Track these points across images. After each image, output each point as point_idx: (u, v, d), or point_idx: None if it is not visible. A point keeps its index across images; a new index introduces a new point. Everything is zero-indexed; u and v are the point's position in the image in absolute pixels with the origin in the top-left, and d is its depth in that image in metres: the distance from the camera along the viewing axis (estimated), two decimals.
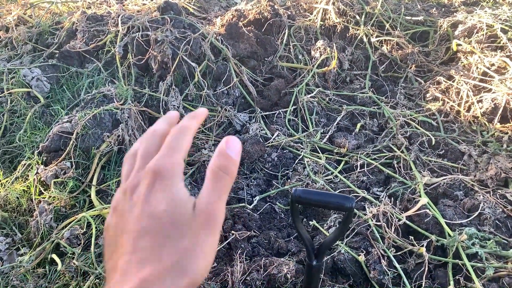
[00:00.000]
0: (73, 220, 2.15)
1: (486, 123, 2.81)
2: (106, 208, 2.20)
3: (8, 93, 2.99)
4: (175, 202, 0.47)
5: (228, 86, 3.05)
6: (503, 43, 3.22)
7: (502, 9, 3.86)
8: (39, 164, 2.43)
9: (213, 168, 0.49)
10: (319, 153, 2.66)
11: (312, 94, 3.11)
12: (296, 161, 2.60)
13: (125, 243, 0.46)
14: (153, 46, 3.06)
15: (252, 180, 2.50)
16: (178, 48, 3.03)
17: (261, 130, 2.81)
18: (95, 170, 2.42)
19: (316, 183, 2.37)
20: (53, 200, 2.28)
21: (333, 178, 2.47)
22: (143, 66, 3.17)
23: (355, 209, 2.20)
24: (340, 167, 2.56)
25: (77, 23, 3.47)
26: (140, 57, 3.11)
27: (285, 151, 2.69)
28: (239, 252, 1.92)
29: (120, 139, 2.51)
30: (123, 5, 4.06)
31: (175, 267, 0.44)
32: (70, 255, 2.01)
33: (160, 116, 2.82)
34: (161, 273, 0.44)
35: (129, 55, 3.15)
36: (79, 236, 2.09)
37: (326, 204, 0.94)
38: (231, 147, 0.50)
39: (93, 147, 2.46)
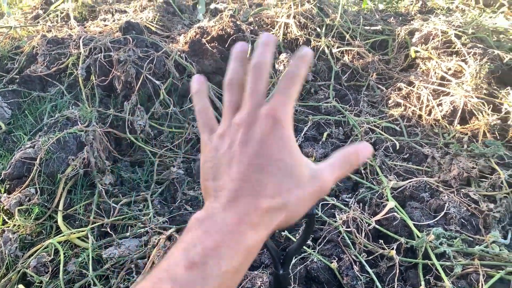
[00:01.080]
0: (40, 248, 2.09)
1: (447, 125, 2.91)
2: (74, 233, 2.15)
3: None
4: (291, 154, 0.51)
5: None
6: (458, 48, 3.35)
7: (455, 15, 4.03)
8: (1, 192, 2.36)
9: (347, 159, 0.55)
10: None
11: None
12: None
13: (236, 171, 0.50)
14: (116, 67, 3.04)
15: None
16: (142, 67, 3.02)
17: None
18: (61, 195, 2.37)
19: None
20: (18, 228, 2.21)
21: None
22: (107, 87, 3.14)
23: (327, 217, 2.23)
24: None
25: (37, 47, 3.42)
26: (103, 78, 3.09)
27: None
28: None
29: (85, 162, 2.47)
30: (85, 27, 4.02)
31: (280, 208, 0.49)
32: (38, 284, 1.95)
33: (126, 136, 2.80)
34: (269, 208, 0.49)
35: (92, 76, 3.12)
36: (47, 263, 2.03)
37: None
38: (364, 155, 0.57)
39: (58, 172, 2.41)
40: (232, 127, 0.53)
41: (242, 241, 0.47)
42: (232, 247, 0.46)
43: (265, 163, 0.50)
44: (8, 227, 2.21)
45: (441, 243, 2.03)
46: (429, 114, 3.01)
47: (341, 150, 0.56)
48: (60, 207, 2.32)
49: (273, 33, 3.84)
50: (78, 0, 4.62)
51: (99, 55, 3.13)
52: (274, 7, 4.16)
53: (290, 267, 1.90)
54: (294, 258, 1.96)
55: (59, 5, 4.64)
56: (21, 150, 2.48)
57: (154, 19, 4.06)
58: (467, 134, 2.79)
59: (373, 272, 1.96)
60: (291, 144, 0.52)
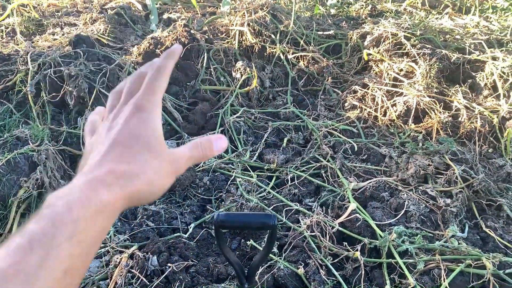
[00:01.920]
0: None
1: (402, 125, 2.99)
2: None
3: None
4: (152, 132, 0.55)
5: None
6: (408, 49, 3.47)
7: (403, 18, 4.16)
8: None
9: (198, 143, 0.61)
10: (250, 171, 2.68)
11: (237, 114, 3.13)
12: (229, 182, 2.59)
13: (99, 150, 0.54)
14: (67, 82, 2.94)
15: (186, 207, 2.45)
16: (94, 81, 2.94)
17: None
18: (14, 219, 2.25)
19: (250, 202, 2.37)
20: None
21: (266, 194, 2.49)
22: (59, 103, 3.03)
23: (291, 223, 2.23)
24: (272, 183, 2.59)
25: None
26: (54, 94, 2.97)
27: (216, 174, 2.67)
28: (177, 284, 1.86)
29: (39, 182, 2.36)
30: (32, 42, 3.88)
31: (137, 174, 0.52)
32: None
33: (81, 153, 2.70)
34: (125, 172, 0.51)
35: (43, 93, 3.00)
36: None
37: (249, 225, 0.94)
38: (218, 145, 0.62)
39: (9, 195, 2.29)
40: (107, 120, 0.60)
41: (93, 196, 0.47)
42: (82, 201, 0.46)
43: (127, 140, 0.54)
44: None
45: (403, 241, 2.07)
46: (384, 115, 3.08)
47: (198, 139, 0.63)
48: (14, 231, 2.20)
49: (228, 41, 3.84)
50: (24, 14, 4.45)
51: (49, 70, 3.01)
52: (228, 16, 4.16)
53: (256, 278, 1.89)
54: (259, 268, 1.95)
55: (3, 19, 4.44)
56: None
57: (106, 31, 3.96)
58: (421, 132, 2.87)
59: (339, 274, 1.97)
60: (153, 126, 0.56)
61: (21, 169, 2.40)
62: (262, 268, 1.99)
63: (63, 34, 3.99)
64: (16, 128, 2.81)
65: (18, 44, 3.89)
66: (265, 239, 2.15)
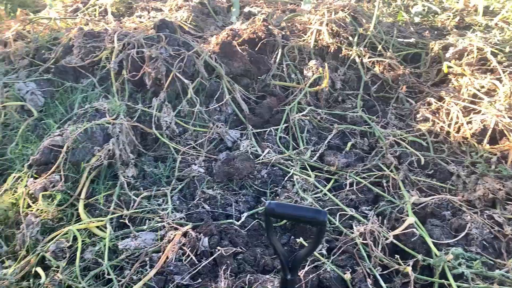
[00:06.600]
0: (60, 233, 2.14)
1: (475, 144, 2.83)
2: (93, 222, 2.20)
3: (2, 106, 3.01)
4: None
5: (220, 103, 3.08)
6: (493, 66, 3.27)
7: (492, 33, 3.93)
8: (28, 177, 2.43)
9: None
10: (308, 171, 2.67)
11: (303, 113, 3.13)
12: (286, 179, 2.61)
13: None
14: (147, 63, 3.10)
15: (241, 196, 2.50)
16: (172, 65, 3.07)
17: (252, 147, 2.83)
18: (84, 183, 2.42)
19: (304, 201, 2.37)
20: (41, 213, 2.28)
21: (322, 196, 2.48)
22: (138, 82, 3.20)
23: (344, 228, 2.20)
24: (329, 185, 2.57)
25: (74, 39, 3.52)
26: (134, 73, 3.15)
27: (275, 168, 2.69)
28: (224, 268, 1.91)
29: (110, 153, 2.52)
30: (121, 22, 4.12)
31: None
32: (55, 268, 2.00)
33: (152, 131, 2.84)
34: None
35: (124, 71, 3.19)
36: (65, 249, 2.08)
37: (299, 218, 0.95)
38: None
39: (83, 161, 2.47)
40: None
41: None
42: None
43: None
44: (32, 211, 2.28)
45: (459, 264, 1.98)
46: (458, 132, 2.93)
47: None
48: (82, 195, 2.37)
49: (304, 39, 3.84)
50: None
51: (132, 50, 3.20)
52: (307, 14, 4.15)
53: (300, 273, 1.89)
54: (304, 264, 1.95)
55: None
56: (49, 138, 2.56)
57: (188, 19, 4.12)
58: (496, 154, 2.70)
59: (387, 287, 1.92)
60: None
61: (96, 139, 2.57)
62: (308, 267, 1.98)
63: (149, 18, 4.20)
64: (97, 100, 3.01)
65: (108, 23, 4.14)
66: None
